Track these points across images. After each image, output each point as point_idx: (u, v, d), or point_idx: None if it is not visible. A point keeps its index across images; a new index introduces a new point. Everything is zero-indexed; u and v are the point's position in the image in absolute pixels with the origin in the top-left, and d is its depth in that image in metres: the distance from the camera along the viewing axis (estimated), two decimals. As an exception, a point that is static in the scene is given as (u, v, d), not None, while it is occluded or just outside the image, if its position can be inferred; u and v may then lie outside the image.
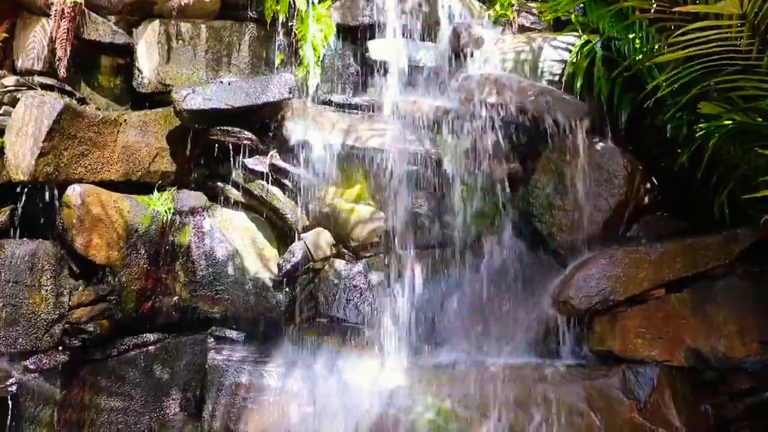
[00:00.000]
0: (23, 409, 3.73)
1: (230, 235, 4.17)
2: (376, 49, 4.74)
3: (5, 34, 4.24)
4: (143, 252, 3.99)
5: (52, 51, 4.13)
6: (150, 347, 4.00)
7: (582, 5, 4.53)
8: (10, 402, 3.65)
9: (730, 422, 3.62)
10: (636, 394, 3.48)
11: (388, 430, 3.53)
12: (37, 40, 4.18)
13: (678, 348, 3.66)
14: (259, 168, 4.22)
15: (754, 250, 3.75)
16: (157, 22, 4.46)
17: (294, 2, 4.51)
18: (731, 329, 3.64)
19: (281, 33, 4.58)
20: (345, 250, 4.26)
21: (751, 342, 3.61)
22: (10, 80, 4.12)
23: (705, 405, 3.62)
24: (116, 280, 3.92)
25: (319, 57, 4.56)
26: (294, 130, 4.33)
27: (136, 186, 4.20)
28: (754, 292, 3.70)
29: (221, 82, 4.35)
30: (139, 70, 4.42)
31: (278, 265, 4.17)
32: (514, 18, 4.86)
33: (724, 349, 3.62)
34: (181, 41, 4.48)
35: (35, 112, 3.88)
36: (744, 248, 3.74)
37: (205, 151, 4.28)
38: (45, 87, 4.11)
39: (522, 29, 4.86)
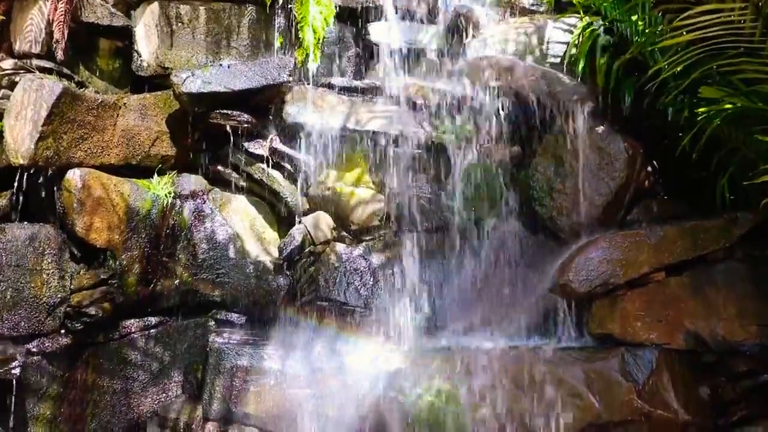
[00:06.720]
0: (27, 391, 3.76)
1: (231, 218, 4.17)
2: (376, 31, 4.72)
3: (2, 17, 4.22)
4: (144, 235, 4.00)
5: (50, 34, 4.10)
6: (151, 330, 4.03)
7: (584, -14, 4.48)
8: (14, 385, 3.68)
9: (728, 404, 3.63)
10: (635, 377, 3.49)
11: (388, 412, 3.56)
12: (34, 23, 4.16)
13: (677, 331, 3.67)
14: (259, 151, 4.21)
15: (754, 233, 3.74)
16: (155, 4, 4.43)
17: (294, -17, 4.49)
18: (731, 312, 3.64)
19: (281, 15, 4.54)
20: (345, 234, 4.26)
21: (750, 325, 3.61)
22: (7, 63, 4.11)
23: (704, 387, 3.63)
24: (117, 263, 3.93)
25: (319, 39, 4.53)
26: (294, 113, 4.32)
27: (136, 170, 4.20)
28: (754, 275, 3.70)
29: (221, 65, 4.34)
30: (137, 53, 4.39)
31: (279, 248, 4.18)
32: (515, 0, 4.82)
33: (724, 332, 3.63)
34: (180, 24, 4.45)
35: (34, 96, 3.86)
36: (744, 232, 3.73)
37: (205, 134, 4.27)
38: (43, 70, 4.10)
39: (523, 11, 4.82)
